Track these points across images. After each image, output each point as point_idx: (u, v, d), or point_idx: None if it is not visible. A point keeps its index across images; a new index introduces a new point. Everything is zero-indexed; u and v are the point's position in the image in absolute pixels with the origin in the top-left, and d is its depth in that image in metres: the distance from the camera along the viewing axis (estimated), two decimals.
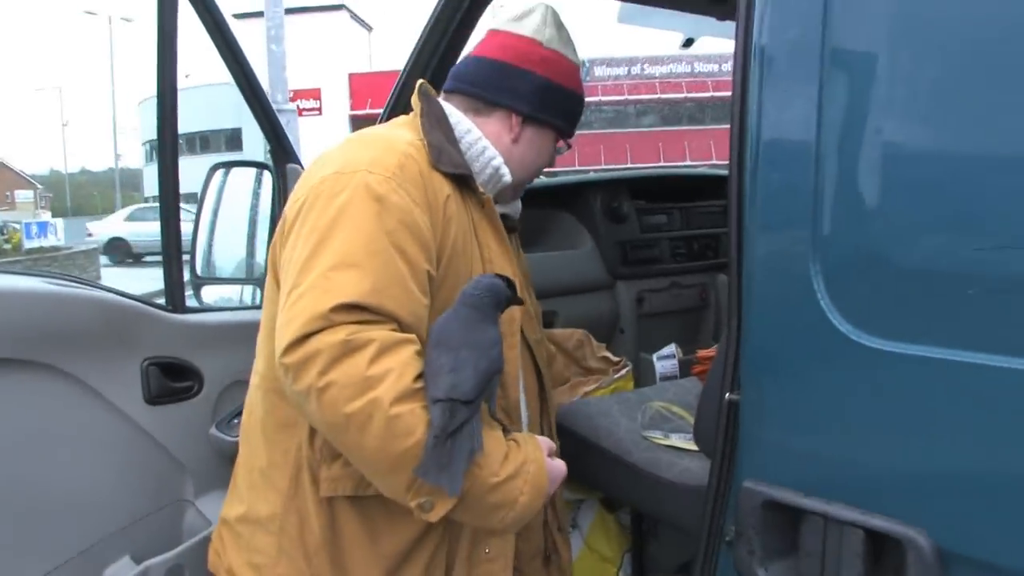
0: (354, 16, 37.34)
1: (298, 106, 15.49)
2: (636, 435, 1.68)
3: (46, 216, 28.52)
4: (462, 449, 1.05)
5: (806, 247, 0.99)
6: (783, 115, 1.03)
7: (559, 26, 1.43)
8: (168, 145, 1.72)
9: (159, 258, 1.81)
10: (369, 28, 40.26)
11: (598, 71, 31.97)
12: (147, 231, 19.23)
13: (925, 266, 0.92)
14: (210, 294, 2.09)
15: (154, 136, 1.74)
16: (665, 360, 2.27)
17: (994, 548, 0.86)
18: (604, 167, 28.76)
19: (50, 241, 17.17)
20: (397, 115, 1.48)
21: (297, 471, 1.24)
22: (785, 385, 1.05)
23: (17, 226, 17.57)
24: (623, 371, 2.03)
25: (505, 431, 1.19)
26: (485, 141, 1.36)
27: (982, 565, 0.88)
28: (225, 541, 1.35)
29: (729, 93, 1.12)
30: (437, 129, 1.31)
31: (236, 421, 1.68)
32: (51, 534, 1.51)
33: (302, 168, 1.90)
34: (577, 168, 24.05)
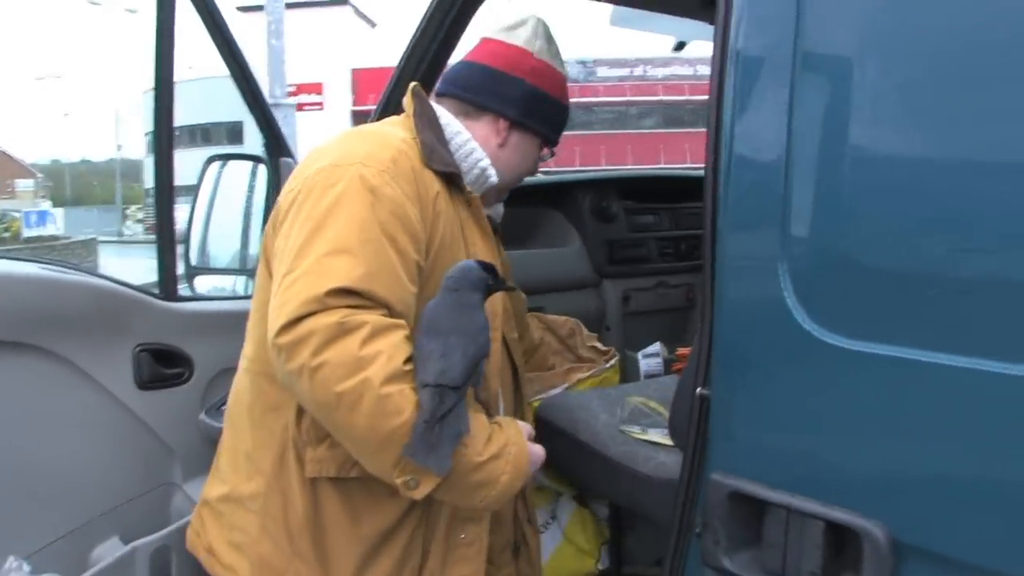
0: (358, 12, 37.32)
1: (299, 101, 15.46)
2: (614, 429, 1.69)
3: (46, 205, 28.47)
4: (450, 432, 1.09)
5: (775, 247, 1.02)
6: (756, 118, 1.05)
7: (549, 39, 1.48)
8: (163, 137, 1.76)
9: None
10: (373, 24, 40.25)
11: (600, 72, 31.94)
12: None
13: (889, 267, 0.94)
14: (204, 284, 2.12)
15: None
16: (650, 358, 2.29)
17: (945, 541, 0.89)
18: (604, 167, 28.70)
19: (49, 230, 17.18)
20: (388, 115, 1.52)
21: (282, 451, 1.27)
22: (753, 381, 1.07)
23: (17, 215, 17.56)
24: (612, 361, 2.08)
25: (488, 415, 1.24)
26: (474, 143, 1.40)
27: (933, 557, 0.90)
28: (205, 520, 1.38)
29: None
30: (429, 129, 1.35)
31: (225, 407, 1.71)
32: (41, 514, 1.54)
33: (295, 162, 1.93)
34: (577, 168, 24.03)
